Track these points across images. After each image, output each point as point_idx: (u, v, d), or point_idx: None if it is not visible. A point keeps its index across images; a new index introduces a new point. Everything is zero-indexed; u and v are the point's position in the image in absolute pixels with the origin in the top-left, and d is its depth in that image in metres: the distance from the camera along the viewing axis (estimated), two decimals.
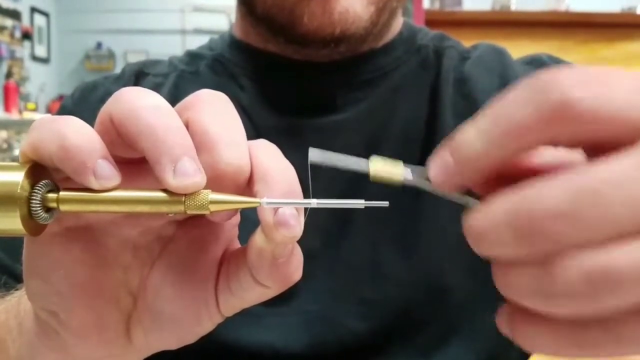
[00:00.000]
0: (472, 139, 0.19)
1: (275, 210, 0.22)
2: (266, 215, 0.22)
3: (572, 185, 0.17)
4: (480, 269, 0.45)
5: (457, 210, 0.45)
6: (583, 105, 0.17)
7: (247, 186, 0.24)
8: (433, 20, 2.08)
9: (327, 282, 0.44)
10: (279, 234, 0.22)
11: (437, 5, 2.19)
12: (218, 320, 0.27)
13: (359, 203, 0.23)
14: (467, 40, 0.54)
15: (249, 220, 0.28)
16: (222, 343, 0.42)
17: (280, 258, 0.24)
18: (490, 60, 0.50)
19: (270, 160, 0.24)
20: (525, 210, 0.17)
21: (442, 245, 0.45)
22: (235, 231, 0.28)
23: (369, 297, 0.44)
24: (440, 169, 0.21)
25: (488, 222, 0.18)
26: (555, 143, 0.19)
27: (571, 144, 0.19)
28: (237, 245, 0.28)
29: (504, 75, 0.49)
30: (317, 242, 0.45)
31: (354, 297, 0.44)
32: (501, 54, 0.51)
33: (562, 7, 2.19)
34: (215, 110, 0.24)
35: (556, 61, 0.52)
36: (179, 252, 0.27)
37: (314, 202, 0.23)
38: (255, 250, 0.24)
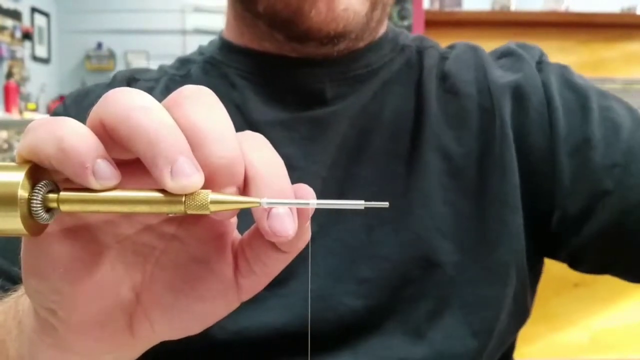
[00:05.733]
0: None
1: (268, 213, 0.23)
2: (262, 222, 0.23)
3: None
4: (470, 244, 0.47)
5: (447, 188, 0.47)
6: None
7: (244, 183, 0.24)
8: (433, 20, 2.07)
9: (324, 263, 0.46)
10: (275, 238, 0.23)
11: (437, 6, 2.19)
12: (235, 306, 0.28)
13: (358, 204, 0.23)
14: (466, 40, 0.56)
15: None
16: (222, 328, 0.43)
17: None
18: (466, 57, 0.53)
19: (257, 158, 0.24)
20: None
21: (432, 222, 0.46)
22: (235, 220, 0.28)
23: (365, 276, 0.46)
24: None
25: None
26: None
27: None
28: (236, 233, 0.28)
29: (479, 67, 0.52)
30: (315, 226, 0.46)
31: (350, 277, 0.46)
32: (475, 50, 0.54)
33: (562, 8, 2.19)
34: (201, 105, 0.24)
35: (524, 48, 0.54)
36: (189, 250, 0.27)
37: (314, 203, 0.23)
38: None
